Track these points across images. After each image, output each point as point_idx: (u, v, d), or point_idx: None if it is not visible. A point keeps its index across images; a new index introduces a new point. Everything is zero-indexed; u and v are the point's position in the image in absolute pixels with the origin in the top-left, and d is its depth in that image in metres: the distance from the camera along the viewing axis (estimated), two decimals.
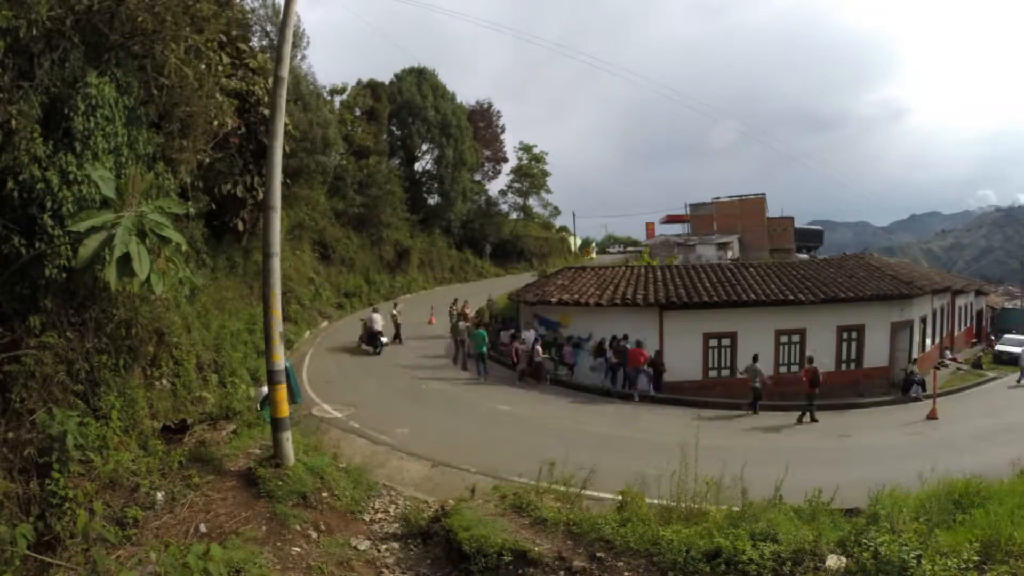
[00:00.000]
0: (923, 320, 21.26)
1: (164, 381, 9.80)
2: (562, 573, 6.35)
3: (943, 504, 6.73)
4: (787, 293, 17.96)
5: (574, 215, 74.30)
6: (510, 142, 57.49)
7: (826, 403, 17.05)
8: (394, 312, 21.64)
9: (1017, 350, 25.74)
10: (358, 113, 35.46)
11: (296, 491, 7.68)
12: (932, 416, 15.37)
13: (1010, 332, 29.50)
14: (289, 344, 17.89)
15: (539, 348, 17.41)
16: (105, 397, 7.86)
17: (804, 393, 15.25)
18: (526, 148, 47.76)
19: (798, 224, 48.68)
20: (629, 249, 50.26)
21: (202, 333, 12.54)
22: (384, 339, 19.55)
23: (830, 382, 17.97)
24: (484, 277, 41.21)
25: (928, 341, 22.19)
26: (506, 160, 48.75)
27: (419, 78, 39.95)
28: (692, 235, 44.77)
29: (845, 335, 18.54)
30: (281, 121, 8.55)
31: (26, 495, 6.39)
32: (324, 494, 7.97)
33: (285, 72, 8.68)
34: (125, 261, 6.87)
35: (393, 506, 8.66)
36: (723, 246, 40.19)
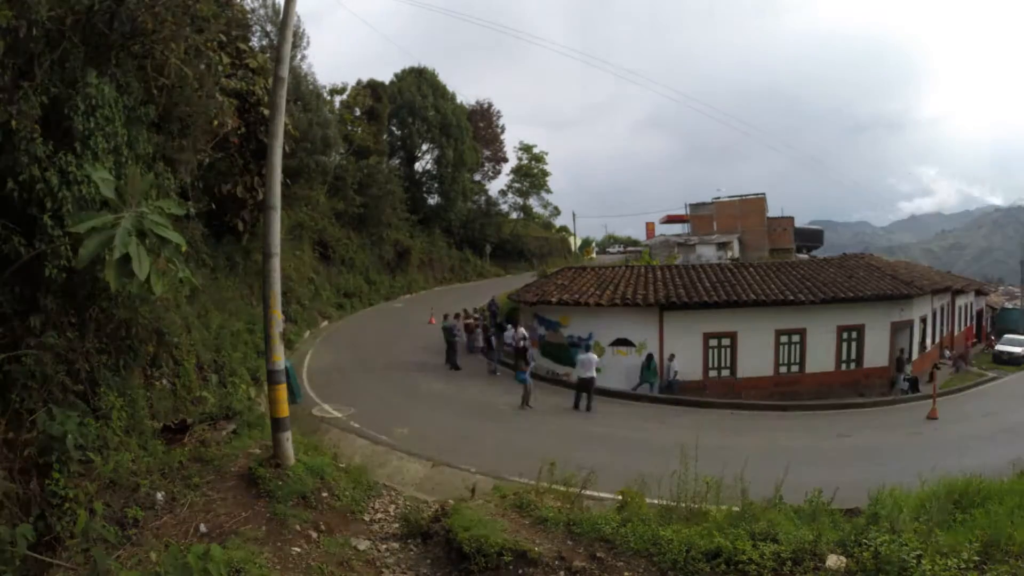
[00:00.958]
0: (923, 320, 21.28)
1: (164, 381, 9.80)
2: (562, 573, 6.34)
3: (943, 504, 6.72)
4: (787, 293, 17.96)
5: (574, 215, 74.41)
6: (510, 142, 57.57)
7: (826, 403, 17.09)
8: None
9: (1017, 350, 25.77)
10: (358, 113, 35.47)
11: (296, 491, 7.67)
12: (932, 416, 15.38)
13: (1010, 332, 29.52)
14: (289, 344, 17.89)
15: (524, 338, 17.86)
16: (105, 397, 7.85)
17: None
18: (526, 148, 47.88)
19: (798, 224, 48.71)
20: (629, 249, 50.26)
21: (202, 333, 12.54)
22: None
23: (830, 382, 18.06)
24: (484, 277, 41.24)
25: (928, 341, 22.21)
26: (506, 160, 48.88)
27: (419, 78, 39.98)
28: (692, 235, 44.75)
29: (845, 335, 18.54)
30: (281, 121, 8.55)
31: (26, 495, 6.37)
32: (324, 494, 7.97)
33: (285, 72, 8.68)
34: (125, 262, 6.85)
35: (393, 506, 8.66)
36: (723, 246, 40.19)
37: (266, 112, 14.25)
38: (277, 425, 8.18)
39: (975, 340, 31.26)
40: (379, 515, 8.29)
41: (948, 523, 6.36)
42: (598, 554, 6.48)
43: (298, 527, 7.16)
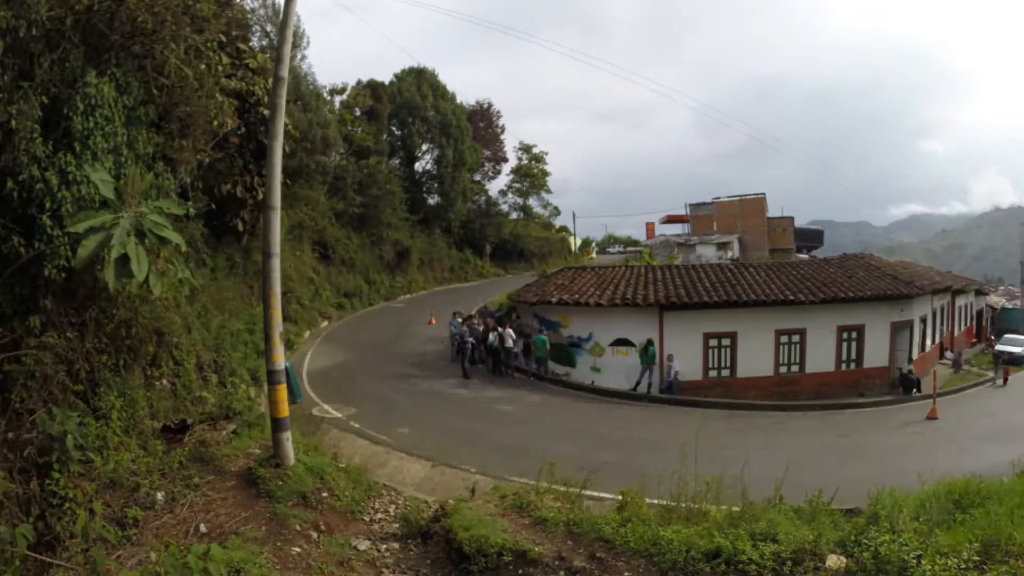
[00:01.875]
0: (923, 320, 21.27)
1: (164, 381, 9.79)
2: (562, 573, 6.34)
3: (943, 504, 6.72)
4: (787, 293, 17.95)
5: (574, 215, 74.45)
6: (510, 141, 57.59)
7: (826, 403, 17.08)
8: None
9: (1017, 350, 25.75)
10: (358, 113, 35.45)
11: (296, 491, 7.67)
12: (932, 416, 15.38)
13: (1010, 332, 29.51)
14: (289, 344, 17.89)
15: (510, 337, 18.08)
16: (105, 397, 7.85)
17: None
18: (526, 148, 47.80)
19: (798, 224, 48.74)
20: (629, 249, 50.25)
21: (202, 333, 12.54)
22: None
23: (830, 382, 18.05)
24: (484, 277, 41.19)
25: (928, 341, 22.21)
26: (506, 160, 48.83)
27: (419, 78, 39.92)
28: (692, 235, 44.80)
29: (845, 335, 18.53)
30: (281, 121, 8.55)
31: (26, 495, 6.38)
32: (324, 494, 7.97)
33: (285, 72, 8.68)
34: (123, 262, 6.85)
35: (393, 506, 8.66)
36: (723, 246, 40.22)
37: (266, 112, 14.25)
38: (277, 425, 8.18)
39: (975, 340, 31.27)
40: (379, 515, 8.28)
41: (948, 523, 6.36)
42: (598, 554, 6.48)
43: (298, 527, 7.16)
